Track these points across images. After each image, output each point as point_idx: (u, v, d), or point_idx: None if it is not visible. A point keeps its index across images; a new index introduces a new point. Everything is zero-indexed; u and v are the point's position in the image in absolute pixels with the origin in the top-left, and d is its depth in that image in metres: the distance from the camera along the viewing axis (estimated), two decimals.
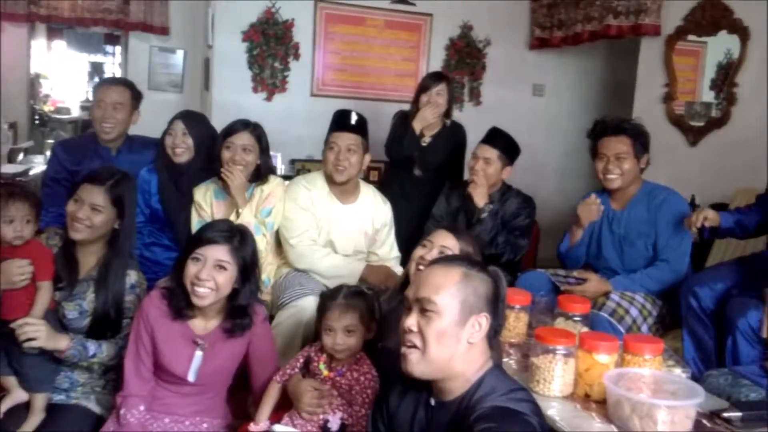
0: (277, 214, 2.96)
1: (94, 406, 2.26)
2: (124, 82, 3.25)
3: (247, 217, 2.89)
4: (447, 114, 3.71)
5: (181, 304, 2.10)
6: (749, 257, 2.70)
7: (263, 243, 2.88)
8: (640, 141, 2.85)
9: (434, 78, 3.71)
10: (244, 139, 2.89)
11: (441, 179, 3.58)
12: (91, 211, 2.23)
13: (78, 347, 2.17)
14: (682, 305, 2.67)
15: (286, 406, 2.13)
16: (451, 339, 1.57)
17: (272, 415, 2.12)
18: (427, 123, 3.62)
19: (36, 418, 2.15)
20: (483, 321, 1.60)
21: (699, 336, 2.61)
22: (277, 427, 2.02)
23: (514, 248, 3.21)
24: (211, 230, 2.12)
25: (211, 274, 2.04)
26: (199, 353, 2.11)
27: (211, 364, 2.13)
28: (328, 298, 2.12)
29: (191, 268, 2.04)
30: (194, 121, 3.05)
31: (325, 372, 2.08)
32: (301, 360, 2.14)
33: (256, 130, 2.95)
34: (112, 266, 2.28)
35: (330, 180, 3.04)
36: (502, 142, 3.26)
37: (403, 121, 3.70)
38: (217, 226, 2.17)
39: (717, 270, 2.72)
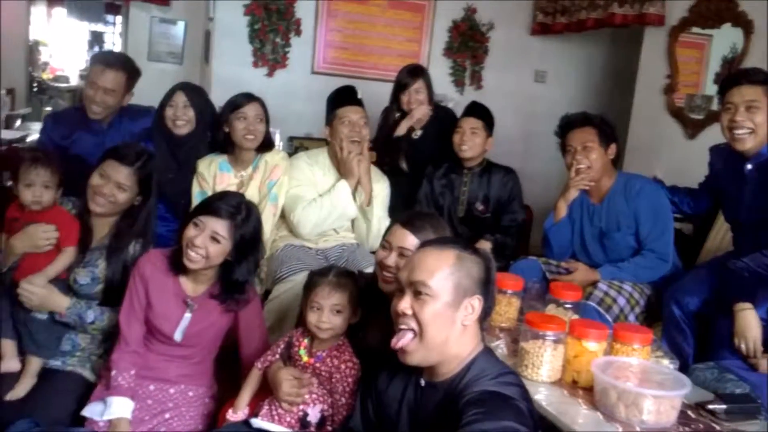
0: (281, 186, 3.00)
1: (89, 374, 2.28)
2: (122, 66, 3.08)
3: (252, 191, 2.95)
4: (429, 102, 3.65)
5: (179, 259, 2.14)
6: (722, 259, 2.68)
7: (271, 215, 2.95)
8: (605, 131, 2.87)
9: (411, 74, 3.62)
10: (256, 109, 2.95)
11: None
12: (116, 189, 2.27)
13: (76, 313, 2.22)
14: (665, 313, 2.68)
15: (269, 390, 2.08)
16: (446, 322, 1.58)
17: (254, 400, 2.09)
18: (416, 122, 3.62)
19: (28, 381, 2.17)
20: (476, 303, 1.61)
21: (679, 346, 2.60)
22: (255, 421, 2.00)
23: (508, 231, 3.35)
24: (219, 202, 2.14)
25: (205, 243, 2.08)
26: (188, 315, 2.16)
27: (197, 326, 2.17)
28: (318, 275, 2.08)
29: (190, 231, 2.09)
30: (195, 93, 3.04)
31: (305, 358, 2.03)
32: (282, 345, 2.11)
33: (261, 102, 3.01)
34: (125, 238, 2.31)
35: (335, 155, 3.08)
36: (483, 113, 3.40)
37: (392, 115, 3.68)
38: (227, 199, 2.17)
39: (695, 276, 2.71)
